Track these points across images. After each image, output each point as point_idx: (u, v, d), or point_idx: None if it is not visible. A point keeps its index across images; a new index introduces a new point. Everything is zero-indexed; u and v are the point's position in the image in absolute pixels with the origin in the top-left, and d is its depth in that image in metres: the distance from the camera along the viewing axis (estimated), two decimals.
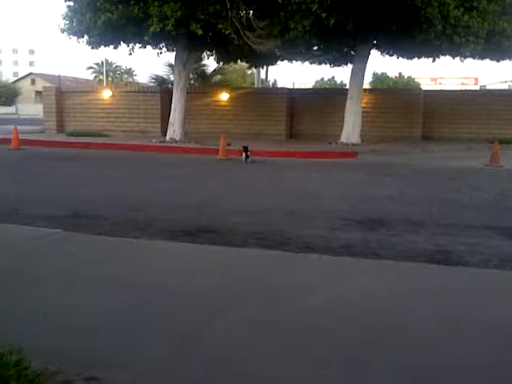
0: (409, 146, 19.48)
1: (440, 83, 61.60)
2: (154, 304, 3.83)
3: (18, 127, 19.51)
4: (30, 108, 64.87)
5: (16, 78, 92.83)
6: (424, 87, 42.63)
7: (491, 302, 4.02)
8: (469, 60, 19.97)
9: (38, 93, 70.28)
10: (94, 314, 3.64)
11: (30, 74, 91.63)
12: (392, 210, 8.04)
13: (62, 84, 39.94)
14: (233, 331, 3.39)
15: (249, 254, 5.38)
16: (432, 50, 18.87)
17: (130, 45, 19.65)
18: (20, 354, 2.60)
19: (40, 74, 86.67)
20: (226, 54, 22.23)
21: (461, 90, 28.69)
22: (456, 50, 18.17)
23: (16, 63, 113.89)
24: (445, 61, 20.60)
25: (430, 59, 20.28)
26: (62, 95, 25.43)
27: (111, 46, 19.94)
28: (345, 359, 3.03)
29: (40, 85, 65.10)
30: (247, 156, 15.04)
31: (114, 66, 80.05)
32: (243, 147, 15.15)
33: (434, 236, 6.32)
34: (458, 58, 19.60)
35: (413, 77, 70.16)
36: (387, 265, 5.01)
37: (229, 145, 16.80)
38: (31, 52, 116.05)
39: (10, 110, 68.69)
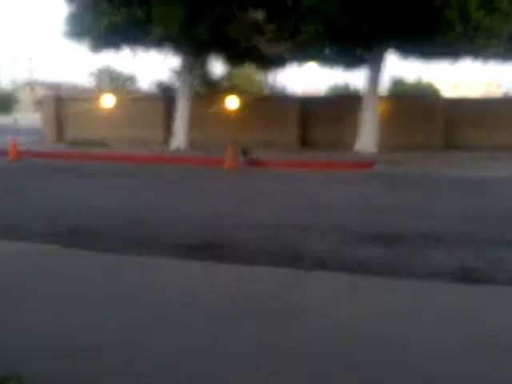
0: (428, 155, 19.35)
1: (461, 88, 61.44)
2: (155, 323, 3.81)
3: (17, 137, 19.59)
4: (28, 116, 65.22)
5: (14, 86, 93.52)
6: (444, 92, 42.56)
7: None
8: (490, 65, 19.88)
9: (37, 101, 70.77)
10: (94, 332, 3.62)
11: (29, 81, 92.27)
12: (410, 225, 7.96)
13: (62, 91, 40.21)
14: (238, 352, 3.35)
15: (258, 271, 5.32)
16: (452, 53, 18.81)
17: (133, 48, 19.75)
18: (19, 380, 2.61)
19: (39, 82, 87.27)
20: (234, 59, 22.29)
21: (482, 98, 28.60)
22: (477, 53, 18.11)
23: (14, 70, 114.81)
24: (466, 64, 20.55)
25: (450, 62, 20.20)
26: (61, 103, 25.61)
27: (113, 50, 20.02)
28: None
29: (39, 92, 65.57)
30: (246, 157, 15.74)
31: (115, 72, 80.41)
32: (242, 149, 15.69)
33: (454, 252, 6.23)
34: (478, 63, 19.53)
35: (432, 81, 70.01)
36: (405, 283, 4.94)
37: (246, 154, 16.70)
38: (30, 59, 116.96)
39: (9, 118, 69.15)
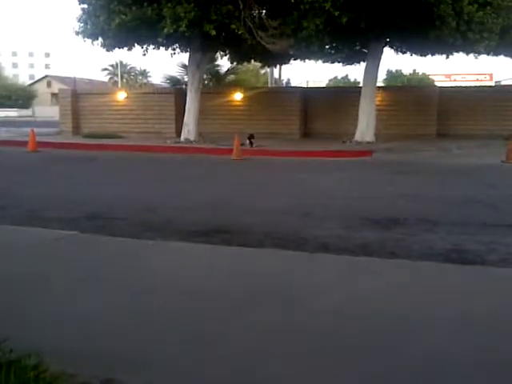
0: (424, 144, 19.32)
1: (454, 80, 61.06)
2: (169, 305, 3.83)
3: (35, 129, 19.65)
4: (46, 110, 65.36)
5: (32, 81, 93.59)
6: (438, 84, 42.32)
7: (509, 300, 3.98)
8: (483, 56, 19.77)
9: (53, 95, 70.84)
10: (109, 315, 3.66)
11: (46, 76, 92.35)
12: (408, 209, 7.99)
13: (78, 86, 40.21)
14: (248, 333, 3.38)
15: (264, 254, 5.36)
16: (446, 47, 18.70)
17: (144, 46, 19.75)
18: (38, 357, 2.61)
19: (56, 77, 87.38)
20: (240, 54, 22.26)
21: (476, 87, 28.36)
22: (470, 47, 17.98)
23: (32, 66, 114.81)
24: (459, 57, 20.49)
25: (444, 56, 20.09)
26: (77, 97, 25.58)
27: (125, 48, 20.03)
28: (361, 360, 3.01)
29: (56, 87, 65.65)
30: (251, 143, 16.85)
31: (128, 67, 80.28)
32: (249, 135, 16.89)
33: (450, 235, 6.26)
34: (472, 55, 19.41)
35: (427, 74, 69.70)
36: (404, 264, 4.98)
37: (251, 143, 17.56)
38: (47, 55, 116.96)
39: (27, 112, 69.27)
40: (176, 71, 29.33)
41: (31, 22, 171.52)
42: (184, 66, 26.72)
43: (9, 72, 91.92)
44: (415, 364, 2.96)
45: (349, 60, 22.76)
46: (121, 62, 72.46)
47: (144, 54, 20.27)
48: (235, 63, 26.07)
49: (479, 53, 18.85)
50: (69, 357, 2.90)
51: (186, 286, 4.23)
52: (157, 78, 67.25)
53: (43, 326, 3.46)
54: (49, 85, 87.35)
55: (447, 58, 19.92)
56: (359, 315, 3.66)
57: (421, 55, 21.13)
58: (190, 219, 7.30)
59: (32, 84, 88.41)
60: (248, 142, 16.98)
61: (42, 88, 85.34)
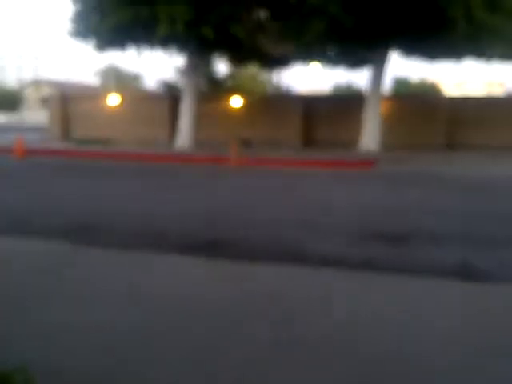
0: (431, 154, 19.35)
1: (464, 87, 61.32)
2: (164, 320, 3.81)
3: (23, 135, 19.64)
4: (34, 114, 65.45)
5: (20, 85, 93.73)
6: (447, 92, 42.44)
7: None
8: (494, 63, 19.85)
9: (43, 99, 70.94)
10: (101, 331, 3.62)
11: (35, 80, 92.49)
12: (414, 223, 7.95)
13: (68, 90, 40.27)
14: (245, 348, 3.34)
15: (262, 268, 5.32)
16: (455, 52, 18.80)
17: (138, 47, 19.81)
18: (25, 373, 2.61)
19: (45, 81, 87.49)
20: (238, 58, 22.36)
21: (486, 97, 28.45)
22: (480, 52, 18.07)
23: (20, 69, 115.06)
24: (469, 63, 20.57)
25: (453, 62, 20.17)
26: (67, 102, 25.65)
27: (119, 49, 20.08)
28: (361, 376, 2.97)
29: (45, 91, 65.73)
30: (249, 145, 17.51)
31: (121, 71, 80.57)
32: (244, 140, 17.78)
33: (458, 250, 6.22)
34: (483, 61, 19.49)
35: (435, 80, 70.00)
36: (409, 281, 4.94)
37: (249, 144, 17.87)
38: (36, 58, 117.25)
39: (15, 117, 69.35)
40: (171, 76, 29.45)
41: (20, 24, 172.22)
42: (179, 70, 26.81)
43: None
44: None
45: (352, 65, 22.87)
46: (113, 66, 72.71)
47: (138, 56, 20.32)
48: (233, 67, 26.17)
49: (491, 58, 18.94)
50: (58, 373, 2.86)
51: (181, 300, 4.20)
52: (151, 83, 67.52)
53: (33, 341, 3.42)
54: (38, 89, 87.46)
55: (457, 63, 20.00)
56: (360, 331, 3.62)
57: (429, 60, 21.21)
58: (185, 231, 7.26)
59: (20, 88, 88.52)
60: (246, 146, 17.72)
61: (30, 92, 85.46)
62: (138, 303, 4.17)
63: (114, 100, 24.80)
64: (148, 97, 25.83)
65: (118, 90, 47.72)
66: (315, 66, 24.20)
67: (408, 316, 3.98)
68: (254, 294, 4.45)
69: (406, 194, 11.27)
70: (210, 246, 6.29)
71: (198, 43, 18.89)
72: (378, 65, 20.12)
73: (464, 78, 67.21)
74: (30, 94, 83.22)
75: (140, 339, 3.50)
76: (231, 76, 30.93)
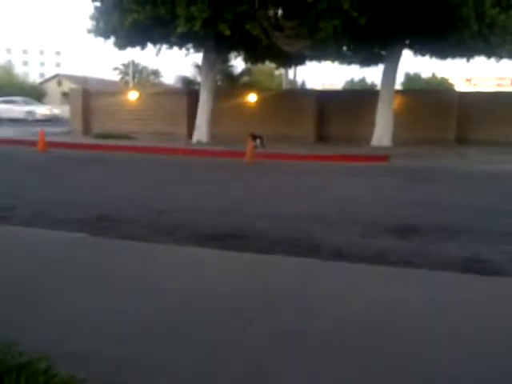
0: (442, 149, 19.25)
1: (475, 84, 60.76)
2: (180, 311, 3.84)
3: (45, 129, 19.80)
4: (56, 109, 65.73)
5: (42, 80, 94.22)
6: (458, 88, 42.10)
7: None
8: (505, 60, 19.72)
9: (64, 94, 71.24)
10: (120, 320, 3.68)
11: (57, 75, 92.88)
12: (426, 217, 7.95)
13: (89, 85, 40.47)
14: (260, 341, 3.39)
15: (277, 260, 5.36)
16: (466, 50, 18.67)
17: (157, 45, 19.87)
18: (48, 361, 2.63)
19: (66, 76, 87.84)
20: (254, 55, 22.35)
21: (497, 92, 28.22)
22: (492, 50, 17.94)
23: (43, 64, 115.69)
24: (479, 61, 20.43)
25: (465, 59, 20.03)
26: (88, 96, 25.77)
27: (138, 47, 20.17)
28: (374, 372, 3.01)
29: (66, 86, 66.09)
30: (262, 144, 18.18)
31: (140, 67, 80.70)
32: (259, 137, 18.28)
33: (469, 244, 6.23)
34: (493, 59, 19.34)
35: (446, 77, 69.45)
36: (421, 274, 4.96)
37: (261, 145, 17.83)
38: (57, 53, 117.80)
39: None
40: (189, 72, 29.51)
41: (42, 19, 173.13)
42: (197, 67, 26.85)
43: (19, 70, 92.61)
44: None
45: (366, 62, 22.78)
46: (133, 62, 72.82)
47: (157, 54, 20.39)
48: (249, 64, 26.15)
49: (501, 57, 18.81)
50: (79, 361, 2.92)
51: (197, 291, 4.23)
52: (169, 78, 67.60)
53: (53, 329, 3.49)
54: (59, 83, 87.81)
55: (468, 61, 19.90)
56: (373, 325, 3.65)
57: (441, 58, 21.11)
58: (202, 223, 7.32)
59: (42, 82, 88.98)
60: (259, 142, 17.87)
61: (52, 87, 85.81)
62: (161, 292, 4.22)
63: (133, 96, 24.90)
64: (166, 92, 25.88)
65: (137, 86, 47.84)
66: (330, 62, 24.10)
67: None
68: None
69: (420, 187, 11.26)
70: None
71: (215, 40, 18.92)
72: (391, 61, 20.03)
73: (474, 74, 66.57)
74: (52, 89, 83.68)
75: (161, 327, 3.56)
76: (247, 72, 30.91)
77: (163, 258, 5.34)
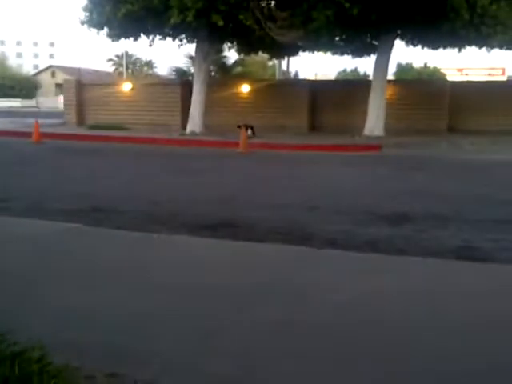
0: (434, 139, 19.25)
1: (466, 74, 60.69)
2: (174, 300, 3.83)
3: (39, 120, 19.70)
4: (50, 100, 65.53)
5: (36, 71, 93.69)
6: (450, 78, 42.08)
7: None
8: (496, 50, 19.69)
9: (58, 85, 70.88)
10: (113, 309, 3.66)
11: (51, 66, 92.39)
12: (417, 205, 7.96)
13: (83, 76, 40.24)
14: (254, 329, 3.38)
15: (270, 249, 5.36)
16: (458, 40, 18.64)
17: (150, 36, 19.76)
18: (42, 349, 2.62)
19: (60, 67, 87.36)
20: (247, 46, 22.26)
21: (488, 82, 28.22)
22: (483, 40, 17.92)
23: (36, 56, 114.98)
24: (471, 51, 20.39)
25: (456, 49, 19.99)
26: (82, 88, 25.62)
27: (131, 38, 20.06)
28: (368, 360, 3.01)
29: (60, 77, 65.66)
30: (253, 133, 18.66)
31: (134, 58, 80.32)
32: (250, 126, 18.75)
33: (460, 232, 6.24)
34: (484, 49, 19.32)
35: (438, 67, 69.36)
36: (412, 261, 4.96)
37: (252, 134, 18.07)
38: (51, 44, 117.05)
39: (31, 102, 69.37)
40: (182, 62, 29.38)
41: (35, 11, 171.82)
42: (191, 58, 26.74)
43: (13, 62, 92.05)
44: (423, 368, 2.95)
45: (359, 52, 22.72)
46: (126, 53, 72.46)
47: (150, 45, 20.26)
48: (242, 55, 26.05)
49: (492, 47, 18.81)
50: (73, 350, 2.91)
51: (190, 280, 4.22)
52: (163, 69, 67.39)
53: (47, 318, 3.47)
54: (53, 75, 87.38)
55: (459, 51, 19.84)
56: (366, 313, 3.65)
57: (433, 48, 21.06)
58: (196, 213, 7.31)
59: (36, 74, 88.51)
60: (250, 132, 18.43)
61: (46, 78, 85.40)
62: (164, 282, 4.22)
63: (127, 87, 24.78)
64: (160, 83, 25.75)
65: (130, 77, 47.62)
66: (322, 53, 24.01)
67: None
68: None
69: (412, 176, 11.27)
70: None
71: (208, 31, 18.81)
72: (383, 52, 19.98)
73: (466, 64, 66.52)
74: (46, 81, 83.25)
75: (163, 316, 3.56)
76: (240, 63, 30.80)
77: (157, 247, 5.33)
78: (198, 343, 3.15)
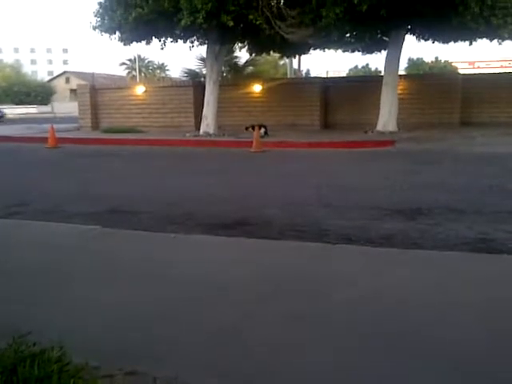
0: (447, 133, 19.10)
1: (478, 67, 60.19)
2: (192, 298, 3.83)
3: (54, 125, 19.85)
4: (64, 106, 65.94)
5: (51, 77, 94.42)
6: (461, 71, 41.70)
7: None
8: (507, 42, 19.47)
9: (72, 91, 71.36)
10: (133, 308, 3.67)
11: (65, 72, 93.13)
12: (432, 199, 7.90)
13: (96, 81, 40.45)
14: (271, 324, 3.37)
15: (287, 246, 5.34)
16: (469, 33, 18.43)
17: (162, 39, 19.79)
18: (61, 349, 2.63)
19: (74, 72, 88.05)
20: (258, 45, 22.21)
21: (500, 73, 27.84)
22: (494, 32, 17.69)
23: (50, 62, 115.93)
24: (482, 44, 20.19)
25: (467, 43, 19.79)
26: (96, 92, 25.76)
27: (143, 42, 20.12)
28: (386, 353, 2.99)
29: (74, 83, 66.12)
30: (266, 133, 18.59)
31: (146, 61, 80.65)
32: (262, 125, 18.65)
33: (476, 224, 6.18)
34: (495, 41, 19.11)
35: (449, 61, 68.86)
36: (429, 255, 4.92)
37: (265, 133, 18.46)
38: (65, 51, 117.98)
39: (46, 108, 69.87)
40: (194, 64, 29.41)
41: (49, 18, 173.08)
42: (202, 59, 26.76)
43: (27, 69, 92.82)
44: (441, 362, 2.93)
45: (369, 49, 22.56)
46: (139, 56, 72.81)
47: (162, 48, 20.30)
48: (254, 54, 26.01)
49: (503, 38, 18.56)
50: (92, 350, 2.92)
51: (209, 278, 4.23)
52: (175, 72, 67.56)
53: (67, 319, 3.49)
54: (67, 81, 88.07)
55: (470, 44, 19.62)
56: (384, 306, 3.63)
57: (443, 42, 20.87)
58: (212, 212, 7.31)
59: (51, 80, 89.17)
60: (263, 131, 18.39)
61: (60, 84, 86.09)
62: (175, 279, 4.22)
63: (140, 90, 24.86)
64: (173, 85, 25.78)
65: (144, 81, 47.74)
66: (333, 51, 23.91)
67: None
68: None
69: (427, 170, 11.20)
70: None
71: (219, 32, 18.81)
72: (394, 47, 19.85)
73: (477, 57, 66.00)
74: (60, 87, 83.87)
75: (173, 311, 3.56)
76: (252, 63, 30.76)
77: (175, 246, 5.34)
78: (219, 338, 3.14)
